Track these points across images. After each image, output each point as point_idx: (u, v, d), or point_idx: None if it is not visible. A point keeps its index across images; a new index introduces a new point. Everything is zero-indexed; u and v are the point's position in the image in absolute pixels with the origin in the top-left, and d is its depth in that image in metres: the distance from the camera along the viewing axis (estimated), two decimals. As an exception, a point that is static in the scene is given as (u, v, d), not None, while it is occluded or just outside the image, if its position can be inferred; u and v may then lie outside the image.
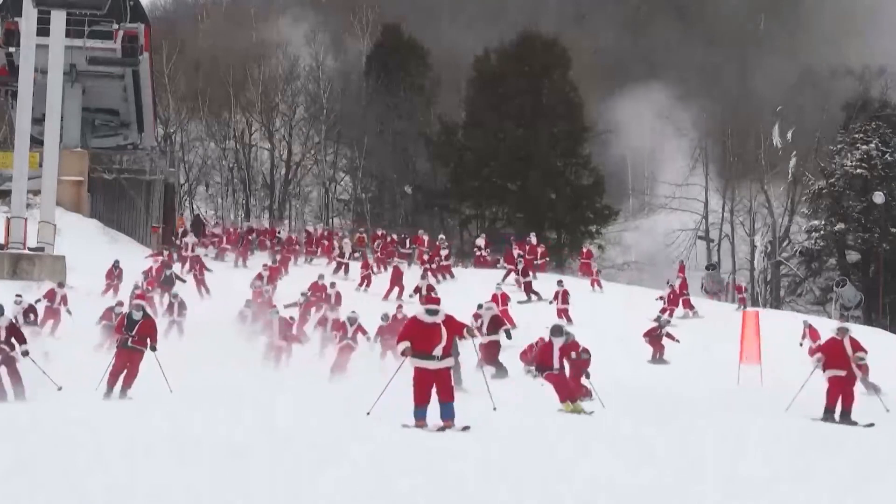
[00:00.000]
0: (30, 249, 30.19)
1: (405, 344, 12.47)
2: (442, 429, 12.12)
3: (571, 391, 15.72)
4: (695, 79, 60.90)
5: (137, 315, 17.01)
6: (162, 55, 55.65)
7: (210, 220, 52.87)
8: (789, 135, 56.02)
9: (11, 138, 39.39)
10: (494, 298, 26.39)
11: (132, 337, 16.67)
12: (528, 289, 32.73)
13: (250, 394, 16.05)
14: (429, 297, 13.18)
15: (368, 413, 12.58)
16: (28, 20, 31.21)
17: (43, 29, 32.00)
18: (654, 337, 25.53)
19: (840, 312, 44.87)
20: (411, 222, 53.51)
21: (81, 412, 13.40)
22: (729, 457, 11.33)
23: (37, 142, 34.65)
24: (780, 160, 56.45)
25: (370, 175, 58.78)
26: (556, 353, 15.75)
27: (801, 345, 25.62)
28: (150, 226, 41.37)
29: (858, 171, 51.77)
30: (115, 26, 40.48)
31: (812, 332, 25.63)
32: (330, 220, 55.72)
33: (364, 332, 22.37)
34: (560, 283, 30.75)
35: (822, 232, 52.53)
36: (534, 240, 39.58)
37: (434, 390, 12.36)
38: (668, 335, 25.55)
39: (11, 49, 38.20)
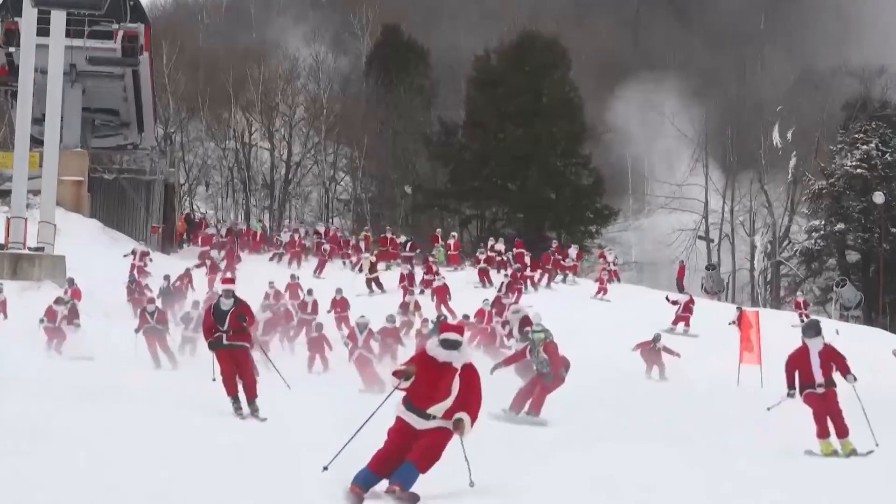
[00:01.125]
0: (30, 249, 30.16)
1: (408, 368, 8.76)
2: (388, 491, 8.44)
3: (839, 424, 11.86)
4: (695, 79, 60.91)
5: (227, 304, 13.40)
6: (162, 55, 55.65)
7: (211, 220, 52.70)
8: (789, 135, 56.02)
9: (11, 138, 39.38)
10: (480, 313, 25.16)
11: (225, 332, 13.33)
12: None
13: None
14: (446, 324, 9.32)
15: (326, 468, 8.85)
16: (28, 20, 31.19)
17: (43, 29, 31.96)
18: (649, 351, 23.59)
19: (840, 312, 44.86)
20: (411, 222, 53.51)
21: (81, 414, 13.40)
22: (728, 457, 11.34)
23: (37, 142, 34.63)
24: (780, 160, 56.44)
25: (370, 175, 58.80)
26: (817, 362, 11.96)
27: None
28: (150, 226, 41.35)
29: (858, 171, 51.73)
30: (115, 26, 40.46)
31: None
32: (330, 220, 55.69)
33: (373, 338, 20.35)
34: (499, 289, 29.69)
35: (822, 232, 52.49)
36: (573, 253, 37.95)
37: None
38: (666, 349, 23.56)
39: (11, 49, 38.17)
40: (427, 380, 8.55)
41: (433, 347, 8.70)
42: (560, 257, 36.85)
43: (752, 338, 23.99)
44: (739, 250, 56.99)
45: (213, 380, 14.50)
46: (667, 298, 30.13)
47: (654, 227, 58.19)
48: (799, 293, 39.17)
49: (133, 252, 32.68)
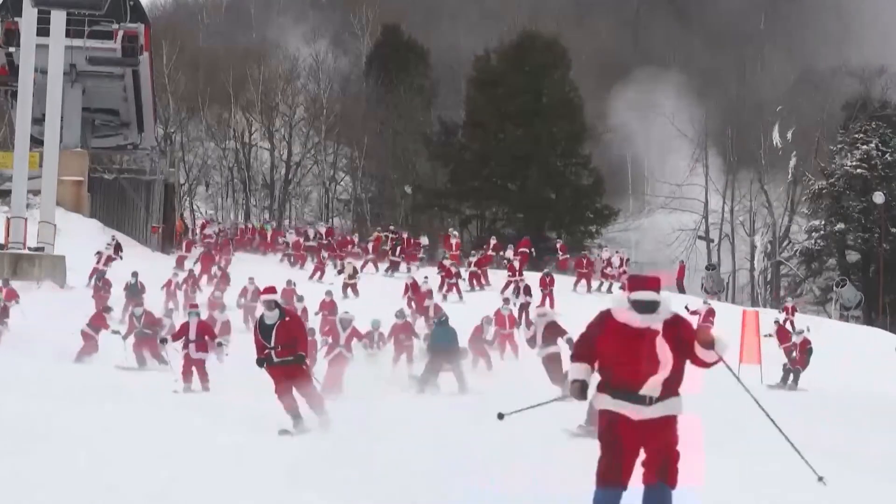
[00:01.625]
0: (30, 249, 30.17)
1: (580, 369, 6.88)
2: None
3: None
4: (695, 78, 60.92)
5: (271, 317, 12.19)
6: (162, 55, 55.67)
7: (210, 220, 52.58)
8: (789, 135, 56.01)
9: (11, 138, 39.41)
10: (500, 320, 23.93)
11: (273, 349, 12.13)
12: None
13: (249, 398, 16.02)
14: (637, 279, 6.95)
15: (502, 416, 7.97)
16: (28, 20, 31.21)
17: (43, 29, 31.99)
18: None
19: (840, 312, 44.85)
20: (411, 222, 53.54)
21: (81, 414, 13.40)
22: (728, 457, 11.32)
23: (37, 142, 34.65)
24: (780, 160, 56.44)
25: (370, 175, 58.83)
26: None
27: None
28: (150, 226, 41.36)
29: (858, 171, 51.74)
30: (115, 26, 40.50)
31: None
32: (330, 220, 55.73)
33: (360, 338, 19.20)
34: (517, 293, 28.39)
35: (822, 232, 52.51)
36: (617, 261, 36.05)
37: (640, 460, 6.78)
38: None
39: (11, 49, 38.21)
40: (626, 353, 6.69)
41: (622, 312, 6.77)
42: (604, 265, 35.64)
43: (752, 337, 23.98)
44: (739, 250, 56.98)
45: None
46: (686, 308, 28.79)
47: (654, 227, 58.17)
48: (790, 299, 38.02)
49: (98, 254, 31.25)
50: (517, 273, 32.42)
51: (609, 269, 35.45)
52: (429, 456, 10.36)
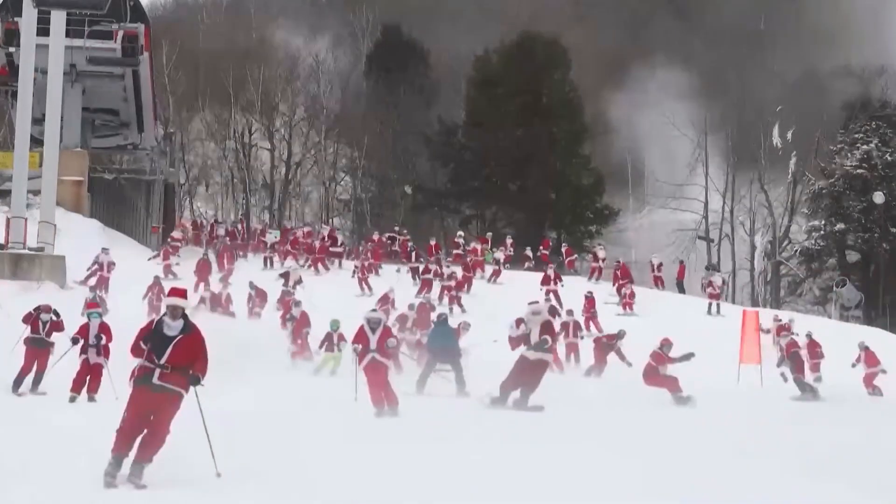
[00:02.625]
0: (30, 249, 30.17)
1: None
2: None
3: None
4: (695, 79, 60.91)
5: (174, 327, 9.41)
6: (162, 55, 55.65)
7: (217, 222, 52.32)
8: (789, 135, 56.01)
9: (11, 138, 39.39)
10: (565, 326, 23.11)
11: (163, 368, 9.27)
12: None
13: (252, 402, 16.03)
14: None
15: None
16: (28, 20, 31.19)
17: (43, 29, 31.97)
18: (603, 346, 21.71)
19: (840, 312, 44.85)
20: (411, 222, 53.58)
21: (81, 414, 13.40)
22: (727, 457, 11.35)
23: (37, 142, 34.66)
24: (780, 160, 56.44)
25: (370, 175, 58.86)
26: None
27: (853, 366, 22.48)
28: (151, 226, 41.33)
29: (858, 171, 51.75)
30: (115, 26, 40.51)
31: (869, 357, 22.62)
32: (330, 220, 55.72)
33: (390, 336, 15.44)
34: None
35: (822, 232, 52.51)
36: (718, 280, 33.67)
37: None
38: (620, 352, 21.29)
39: (11, 49, 38.21)
40: None
41: None
42: (705, 283, 32.93)
43: (752, 337, 24.00)
44: (739, 250, 56.97)
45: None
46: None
47: (654, 226, 58.17)
48: (782, 318, 35.33)
49: (98, 265, 29.78)
50: (553, 281, 30.85)
51: (711, 289, 32.69)
52: (429, 456, 10.38)
